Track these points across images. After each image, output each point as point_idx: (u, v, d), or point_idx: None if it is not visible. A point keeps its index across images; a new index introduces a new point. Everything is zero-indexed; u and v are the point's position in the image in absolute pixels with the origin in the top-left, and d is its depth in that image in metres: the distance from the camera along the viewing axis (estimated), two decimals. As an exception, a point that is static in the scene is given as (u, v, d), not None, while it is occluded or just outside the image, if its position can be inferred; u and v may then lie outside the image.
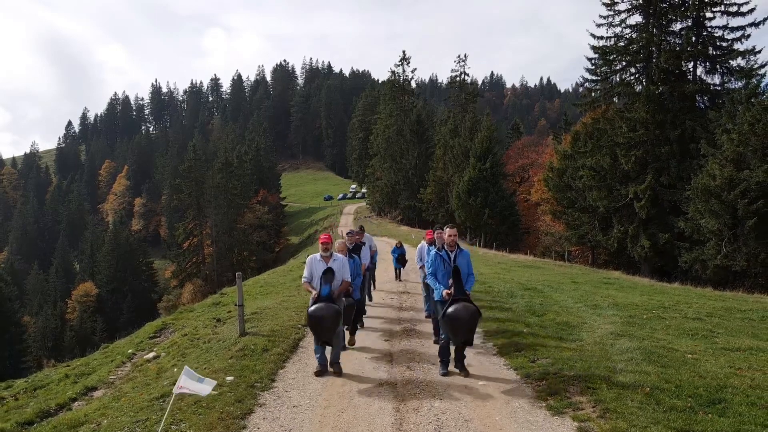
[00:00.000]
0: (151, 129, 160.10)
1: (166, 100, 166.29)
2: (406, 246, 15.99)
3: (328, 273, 5.92)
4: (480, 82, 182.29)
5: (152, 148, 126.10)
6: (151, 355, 8.19)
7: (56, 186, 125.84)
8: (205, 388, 3.72)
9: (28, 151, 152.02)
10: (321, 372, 5.88)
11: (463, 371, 5.79)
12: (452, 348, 5.86)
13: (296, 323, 7.76)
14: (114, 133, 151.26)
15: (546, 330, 7.18)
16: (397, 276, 15.08)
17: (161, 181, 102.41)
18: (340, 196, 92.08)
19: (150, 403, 4.68)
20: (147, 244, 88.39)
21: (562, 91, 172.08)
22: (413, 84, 63.12)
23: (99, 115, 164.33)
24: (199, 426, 4.03)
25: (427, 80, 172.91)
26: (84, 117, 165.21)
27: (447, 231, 6.15)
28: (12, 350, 52.52)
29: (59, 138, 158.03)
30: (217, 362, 5.89)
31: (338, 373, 5.87)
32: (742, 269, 21.45)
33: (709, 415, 4.06)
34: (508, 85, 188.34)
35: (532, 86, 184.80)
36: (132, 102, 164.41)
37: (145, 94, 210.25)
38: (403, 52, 60.02)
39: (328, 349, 6.01)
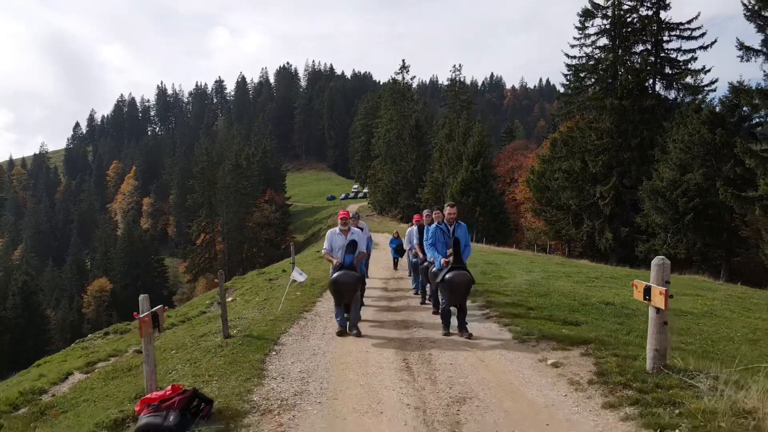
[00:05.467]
0: (157, 130, 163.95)
1: (171, 102, 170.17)
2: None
3: (352, 245, 6.65)
4: (480, 83, 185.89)
5: (159, 148, 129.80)
6: (229, 299, 12.29)
7: (65, 186, 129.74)
8: (302, 278, 7.91)
9: (37, 151, 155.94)
10: (342, 332, 6.50)
11: (465, 333, 6.20)
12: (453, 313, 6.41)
13: (325, 276, 11.88)
14: (121, 134, 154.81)
15: (484, 279, 11.25)
16: (396, 266, 15.96)
17: (169, 181, 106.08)
18: (343, 195, 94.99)
19: (260, 303, 8.79)
20: (157, 242, 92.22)
21: (562, 92, 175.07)
22: (414, 86, 66.94)
23: (106, 116, 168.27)
24: (293, 305, 8.23)
25: (427, 81, 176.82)
26: (91, 118, 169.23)
27: (447, 209, 6.61)
28: (37, 340, 56.30)
29: (67, 139, 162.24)
30: (285, 295, 10.02)
31: (358, 334, 6.46)
32: (685, 257, 25.54)
33: (535, 298, 8.19)
34: (508, 86, 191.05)
35: (532, 87, 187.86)
36: (138, 103, 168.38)
37: (150, 95, 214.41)
38: (403, 60, 63.95)
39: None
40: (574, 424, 3.46)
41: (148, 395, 3.69)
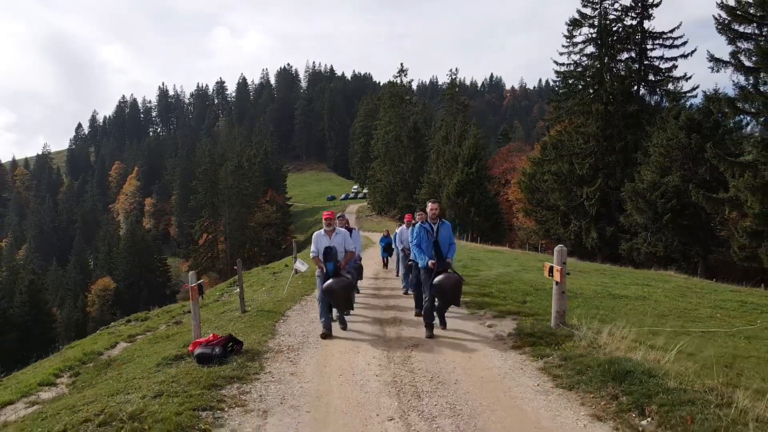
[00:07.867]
0: (158, 131, 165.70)
1: (172, 103, 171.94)
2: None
3: (329, 252, 6.43)
4: (480, 84, 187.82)
5: (161, 149, 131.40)
6: (237, 290, 13.88)
7: (68, 186, 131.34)
8: (304, 267, 9.49)
9: (39, 152, 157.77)
10: (326, 335, 6.27)
11: (443, 324, 6.41)
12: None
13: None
14: (123, 135, 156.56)
15: (463, 272, 12.82)
16: (385, 264, 15.77)
17: (171, 182, 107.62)
18: (343, 196, 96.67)
19: (267, 290, 10.38)
20: (159, 242, 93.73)
21: (551, 97, 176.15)
22: (414, 87, 68.64)
23: (108, 117, 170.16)
24: (296, 290, 9.81)
25: (427, 82, 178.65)
26: (93, 119, 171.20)
27: (429, 205, 6.52)
28: (43, 338, 57.65)
29: (70, 140, 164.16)
30: (289, 282, 11.61)
31: (344, 327, 6.54)
32: (663, 254, 27.12)
33: (498, 285, 9.77)
34: (508, 86, 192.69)
35: (531, 88, 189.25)
36: (139, 104, 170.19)
37: (151, 96, 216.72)
38: (401, 64, 65.84)
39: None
40: (488, 356, 5.07)
41: (197, 340, 5.28)
